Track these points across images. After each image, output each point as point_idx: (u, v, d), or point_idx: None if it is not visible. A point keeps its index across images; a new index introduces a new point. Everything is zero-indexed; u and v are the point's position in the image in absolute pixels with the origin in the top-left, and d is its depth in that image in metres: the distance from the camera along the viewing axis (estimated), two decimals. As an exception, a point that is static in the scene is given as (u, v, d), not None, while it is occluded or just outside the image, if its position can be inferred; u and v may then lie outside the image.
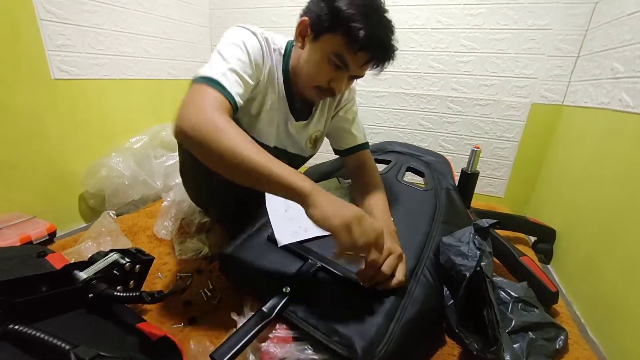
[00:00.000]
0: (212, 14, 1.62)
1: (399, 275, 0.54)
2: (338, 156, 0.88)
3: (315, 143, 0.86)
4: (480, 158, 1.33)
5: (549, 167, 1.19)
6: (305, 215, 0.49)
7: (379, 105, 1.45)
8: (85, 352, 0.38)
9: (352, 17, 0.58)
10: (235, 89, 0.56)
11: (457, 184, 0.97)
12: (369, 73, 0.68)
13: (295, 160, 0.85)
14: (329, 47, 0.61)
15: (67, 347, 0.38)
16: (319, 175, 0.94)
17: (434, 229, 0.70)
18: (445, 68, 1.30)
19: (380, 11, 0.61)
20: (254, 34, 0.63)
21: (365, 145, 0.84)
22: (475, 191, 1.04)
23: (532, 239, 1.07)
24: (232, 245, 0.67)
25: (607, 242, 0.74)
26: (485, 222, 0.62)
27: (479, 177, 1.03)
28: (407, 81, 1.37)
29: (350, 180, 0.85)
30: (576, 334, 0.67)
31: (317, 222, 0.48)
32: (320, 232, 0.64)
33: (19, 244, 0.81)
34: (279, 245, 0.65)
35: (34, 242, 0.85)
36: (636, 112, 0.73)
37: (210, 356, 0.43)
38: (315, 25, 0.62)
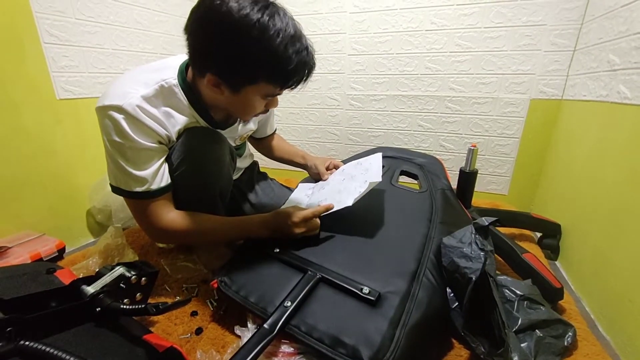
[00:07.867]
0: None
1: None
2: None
3: (244, 140, 0.94)
4: (481, 156, 1.33)
5: (553, 162, 1.18)
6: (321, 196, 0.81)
7: (378, 109, 1.46)
8: (93, 365, 0.39)
9: (273, 62, 0.54)
10: (157, 183, 0.64)
11: (456, 183, 0.97)
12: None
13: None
14: (255, 93, 0.60)
15: (76, 360, 0.39)
16: None
17: (432, 230, 0.70)
18: (442, 69, 1.31)
19: (295, 40, 0.55)
20: (133, 118, 0.57)
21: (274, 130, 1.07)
22: (479, 189, 1.04)
23: (538, 235, 1.06)
24: (227, 263, 0.67)
25: (615, 235, 0.73)
26: (484, 221, 0.62)
27: (482, 176, 1.02)
28: (404, 83, 1.38)
29: None
30: (585, 330, 0.66)
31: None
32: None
33: (29, 261, 0.83)
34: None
35: (44, 259, 0.87)
36: (634, 103, 0.72)
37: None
38: (230, 81, 0.57)
